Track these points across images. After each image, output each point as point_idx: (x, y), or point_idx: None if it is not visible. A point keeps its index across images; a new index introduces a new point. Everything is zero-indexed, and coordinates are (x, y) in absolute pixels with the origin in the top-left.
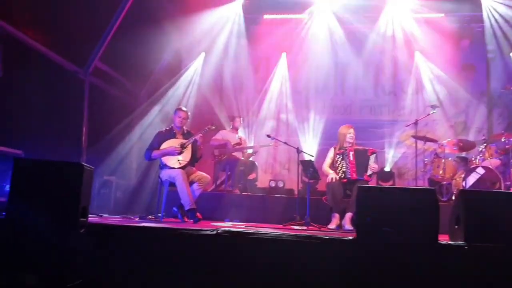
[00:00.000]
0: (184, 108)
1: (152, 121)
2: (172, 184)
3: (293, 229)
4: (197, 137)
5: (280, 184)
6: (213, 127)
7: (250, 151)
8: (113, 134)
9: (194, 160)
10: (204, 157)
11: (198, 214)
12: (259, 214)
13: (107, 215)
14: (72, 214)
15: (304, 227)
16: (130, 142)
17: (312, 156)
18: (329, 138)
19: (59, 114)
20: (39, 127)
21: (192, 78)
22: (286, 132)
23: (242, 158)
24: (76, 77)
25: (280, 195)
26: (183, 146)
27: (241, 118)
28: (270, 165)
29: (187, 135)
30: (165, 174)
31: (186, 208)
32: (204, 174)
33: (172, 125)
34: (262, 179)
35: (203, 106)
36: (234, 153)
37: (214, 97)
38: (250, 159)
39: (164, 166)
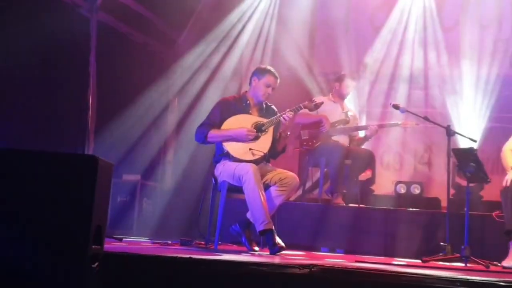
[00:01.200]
0: (273, 71)
1: (201, 90)
2: (235, 188)
3: (442, 267)
4: (285, 116)
5: (415, 190)
6: (313, 104)
7: (362, 133)
8: (136, 109)
9: (274, 153)
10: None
11: (277, 239)
12: (378, 239)
13: (130, 238)
14: (79, 240)
15: (461, 264)
16: (163, 122)
17: (475, 141)
18: (508, 110)
19: (48, 73)
20: (17, 96)
21: (265, 18)
22: (423, 102)
23: (349, 146)
24: (77, 13)
25: (415, 208)
26: (260, 129)
27: (354, 80)
28: (397, 157)
29: (266, 112)
30: (225, 171)
31: (259, 228)
32: (289, 173)
33: (246, 92)
34: (383, 181)
35: (282, 67)
36: (336, 137)
37: (303, 49)
38: (363, 146)
39: (224, 157)
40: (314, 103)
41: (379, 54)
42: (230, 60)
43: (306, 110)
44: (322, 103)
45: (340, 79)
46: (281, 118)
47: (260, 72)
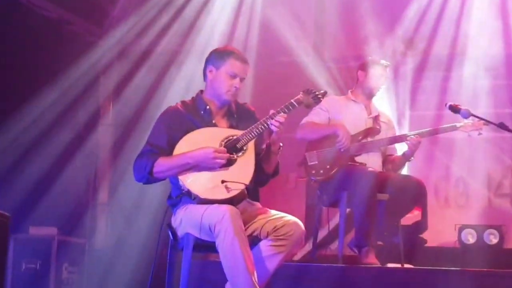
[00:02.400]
0: (237, 51)
1: (150, 90)
2: (204, 245)
3: None
4: (273, 122)
5: (491, 238)
6: (312, 96)
7: (404, 147)
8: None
9: (260, 180)
10: (282, 171)
11: None
12: None
13: None
14: None
15: None
16: (92, 140)
17: None
18: None
19: None
20: None
21: None
22: (501, 100)
23: (384, 170)
24: None
25: (491, 267)
26: (234, 147)
27: (386, 67)
28: (460, 186)
29: (239, 117)
30: (187, 219)
31: None
32: (289, 217)
33: (202, 93)
34: (440, 225)
35: (275, 50)
36: (362, 157)
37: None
38: (405, 170)
39: (184, 198)
40: (313, 94)
41: (428, 26)
42: (194, 42)
43: (307, 117)
44: (325, 93)
45: (365, 66)
46: (266, 125)
47: (216, 56)
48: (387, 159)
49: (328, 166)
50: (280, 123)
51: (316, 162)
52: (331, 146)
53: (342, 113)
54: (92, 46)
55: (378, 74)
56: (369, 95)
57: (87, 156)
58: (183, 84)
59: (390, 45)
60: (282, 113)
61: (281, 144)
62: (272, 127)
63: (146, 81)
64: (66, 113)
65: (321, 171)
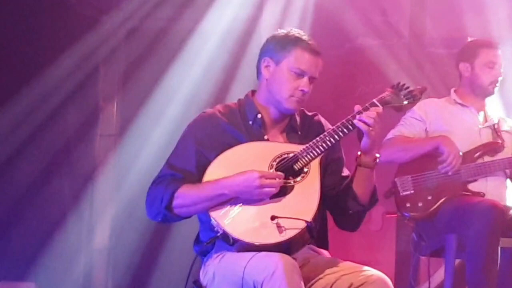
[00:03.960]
0: (307, 38)
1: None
2: None
3: None
4: (362, 118)
5: None
6: (403, 93)
7: None
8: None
9: (350, 218)
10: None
11: None
12: None
13: None
14: None
15: None
16: (83, 156)
17: None
18: None
19: None
20: None
21: None
22: None
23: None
24: None
25: None
26: (291, 169)
27: (499, 48)
28: None
29: (304, 132)
30: (223, 274)
31: None
32: (371, 272)
33: (253, 95)
34: None
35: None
36: (477, 184)
37: None
38: None
39: (218, 243)
40: (406, 90)
41: None
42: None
43: (395, 130)
44: (424, 89)
45: (467, 53)
46: (345, 129)
47: (276, 46)
48: None
49: (429, 198)
50: (374, 119)
51: (412, 192)
52: (433, 169)
53: (445, 122)
54: (91, 24)
55: (490, 64)
56: (482, 95)
57: (78, 181)
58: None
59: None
60: (375, 106)
61: (377, 155)
62: (362, 126)
63: (167, 71)
64: (49, 119)
65: (420, 204)
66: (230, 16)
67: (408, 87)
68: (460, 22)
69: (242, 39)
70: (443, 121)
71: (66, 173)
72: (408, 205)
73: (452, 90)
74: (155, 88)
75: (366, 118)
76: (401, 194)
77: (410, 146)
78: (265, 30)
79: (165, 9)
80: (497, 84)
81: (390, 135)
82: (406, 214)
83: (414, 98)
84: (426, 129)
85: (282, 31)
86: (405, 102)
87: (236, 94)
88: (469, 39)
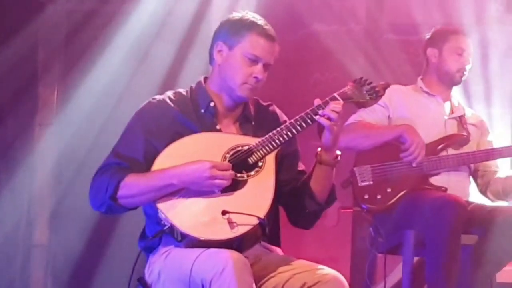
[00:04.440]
0: (262, 23)
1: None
2: None
3: None
4: (323, 112)
5: None
6: (365, 88)
7: (505, 164)
8: None
9: (306, 216)
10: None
11: None
12: None
13: None
14: None
15: None
16: (25, 158)
17: None
18: None
19: None
20: None
21: None
22: None
23: (469, 200)
24: None
25: None
26: (244, 162)
27: (468, 36)
28: None
29: (259, 122)
30: (169, 270)
31: None
32: (326, 271)
33: (205, 82)
34: None
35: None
36: (439, 178)
37: None
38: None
39: (165, 237)
40: (369, 86)
41: None
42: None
43: (356, 115)
44: (387, 85)
45: (436, 39)
46: (304, 123)
47: (230, 30)
48: (491, 179)
49: (388, 190)
50: (337, 113)
51: (371, 183)
52: (394, 160)
53: (410, 111)
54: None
55: (458, 50)
56: (449, 83)
57: (16, 174)
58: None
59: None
60: (336, 100)
61: (338, 153)
62: (324, 122)
63: (113, 58)
64: None
65: (378, 197)
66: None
67: (371, 83)
68: (419, 9)
69: (191, 23)
70: (407, 109)
71: (4, 167)
72: (366, 196)
73: (419, 78)
74: (95, 76)
75: (330, 112)
76: (359, 184)
77: (372, 133)
78: (217, 14)
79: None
80: (465, 73)
81: (350, 120)
82: (363, 206)
83: (376, 94)
84: (389, 116)
85: (236, 15)
86: (367, 98)
87: (185, 82)
88: (438, 26)
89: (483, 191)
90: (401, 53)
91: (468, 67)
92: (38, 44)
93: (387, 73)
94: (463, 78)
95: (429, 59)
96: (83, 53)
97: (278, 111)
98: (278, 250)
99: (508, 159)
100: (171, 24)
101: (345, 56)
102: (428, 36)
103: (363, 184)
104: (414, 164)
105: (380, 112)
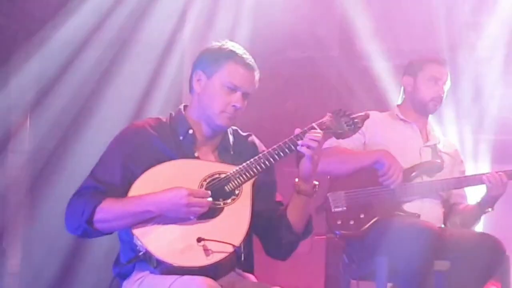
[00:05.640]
0: (241, 52)
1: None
2: None
3: None
4: (303, 141)
5: None
6: (358, 119)
7: (477, 193)
8: None
9: (283, 246)
10: None
11: None
12: None
13: None
14: None
15: None
16: None
17: None
18: None
19: None
20: None
21: None
22: None
23: (445, 226)
24: None
25: None
26: (220, 190)
27: (445, 65)
28: None
29: (237, 152)
30: None
31: None
32: None
33: (185, 110)
34: None
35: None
36: (412, 204)
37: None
38: (477, 226)
39: (139, 264)
40: (348, 117)
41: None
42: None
43: (332, 140)
44: (367, 116)
45: (412, 68)
46: (282, 152)
47: (208, 59)
48: (452, 210)
49: (361, 216)
50: (317, 141)
51: (344, 208)
52: (368, 186)
53: (386, 138)
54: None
55: (433, 79)
56: (423, 111)
57: None
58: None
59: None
60: (315, 131)
61: (316, 183)
62: (305, 151)
63: (85, 83)
64: None
65: (351, 222)
66: (152, 27)
67: (350, 114)
68: (393, 35)
69: (163, 52)
70: (383, 136)
71: None
72: (339, 222)
73: (395, 105)
74: (71, 101)
75: (310, 141)
76: (332, 210)
77: (348, 158)
78: (189, 43)
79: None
80: (439, 102)
81: (326, 144)
82: (336, 232)
83: (355, 126)
84: (364, 143)
85: (215, 44)
86: (346, 129)
87: (157, 106)
88: (416, 54)
89: (444, 222)
90: (374, 79)
91: (443, 96)
92: (9, 72)
93: (361, 99)
94: (437, 107)
95: (405, 87)
96: (54, 79)
97: (257, 141)
98: (252, 277)
99: (477, 188)
100: (148, 52)
101: (318, 83)
102: (406, 64)
103: (336, 210)
104: (392, 187)
105: (356, 139)
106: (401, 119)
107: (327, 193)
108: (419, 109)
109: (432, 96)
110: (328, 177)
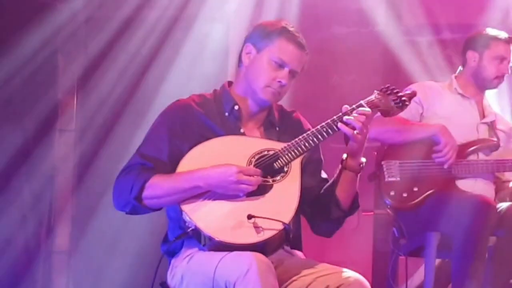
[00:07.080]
0: (293, 30)
1: (140, 79)
2: None
3: None
4: (349, 121)
5: None
6: (406, 97)
7: None
8: None
9: (330, 222)
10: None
11: None
12: None
13: None
14: None
15: None
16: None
17: None
18: None
19: None
20: None
21: None
22: None
23: (497, 201)
24: None
25: None
26: (270, 167)
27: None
28: None
29: (282, 128)
30: (192, 276)
31: None
32: (348, 274)
33: (230, 86)
34: None
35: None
36: (466, 182)
37: None
38: None
39: (188, 241)
40: (396, 95)
41: None
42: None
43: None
44: (414, 94)
45: (478, 43)
46: (330, 129)
47: (260, 33)
48: (503, 187)
49: (415, 189)
50: (363, 123)
51: (398, 179)
52: (424, 158)
53: (444, 111)
54: (48, 9)
55: (500, 57)
56: (484, 87)
57: (37, 179)
58: (182, 69)
59: None
60: (363, 108)
61: (363, 160)
62: (346, 130)
63: (131, 63)
64: (5, 117)
65: (404, 195)
66: (197, 2)
67: (397, 92)
68: (438, 8)
69: (208, 28)
70: (441, 108)
71: (25, 172)
72: (392, 193)
73: (453, 77)
74: (117, 81)
75: (355, 121)
76: (386, 179)
77: (405, 128)
78: (234, 19)
79: None
80: (503, 79)
81: None
82: (387, 202)
83: (403, 104)
84: (422, 114)
85: (270, 20)
86: (394, 107)
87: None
88: (480, 29)
89: (497, 196)
90: (420, 54)
91: (507, 74)
92: (57, 50)
93: (407, 74)
94: (500, 85)
95: (467, 61)
96: (101, 58)
97: (302, 118)
98: (300, 254)
99: None
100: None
101: (363, 58)
102: (469, 37)
103: (390, 179)
104: (445, 166)
105: (414, 109)
106: (459, 93)
107: (381, 161)
108: (481, 84)
109: (497, 75)
110: (384, 146)
